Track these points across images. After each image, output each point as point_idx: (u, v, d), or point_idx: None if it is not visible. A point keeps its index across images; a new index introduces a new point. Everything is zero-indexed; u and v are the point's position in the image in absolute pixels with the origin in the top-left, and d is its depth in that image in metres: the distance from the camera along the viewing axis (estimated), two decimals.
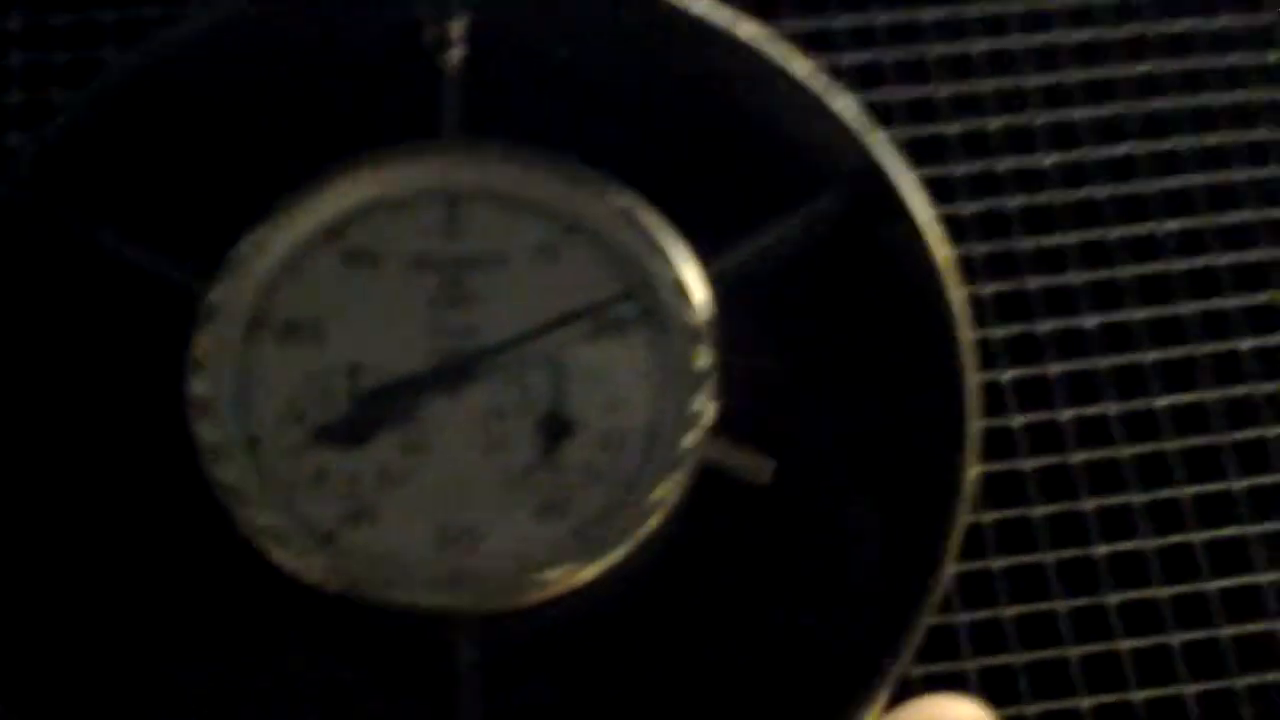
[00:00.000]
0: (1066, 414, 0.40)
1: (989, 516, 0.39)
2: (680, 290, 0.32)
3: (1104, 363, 0.41)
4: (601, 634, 0.31)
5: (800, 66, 0.34)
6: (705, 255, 0.33)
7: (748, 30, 0.35)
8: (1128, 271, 0.42)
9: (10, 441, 0.31)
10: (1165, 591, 0.38)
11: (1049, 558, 0.39)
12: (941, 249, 0.32)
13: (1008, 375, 0.41)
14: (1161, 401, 0.41)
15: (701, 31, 0.35)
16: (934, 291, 0.32)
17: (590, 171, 0.33)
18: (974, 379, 0.31)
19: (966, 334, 0.32)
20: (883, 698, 0.29)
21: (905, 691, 0.30)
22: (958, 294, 0.32)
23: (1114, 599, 0.38)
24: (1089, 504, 0.39)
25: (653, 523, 0.30)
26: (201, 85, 0.35)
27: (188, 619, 0.30)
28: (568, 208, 0.33)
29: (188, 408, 0.30)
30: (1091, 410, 0.41)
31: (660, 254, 0.32)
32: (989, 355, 0.41)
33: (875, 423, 0.32)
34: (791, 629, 0.31)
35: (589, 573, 0.30)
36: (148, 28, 0.45)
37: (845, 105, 0.34)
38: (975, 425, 0.31)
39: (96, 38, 0.45)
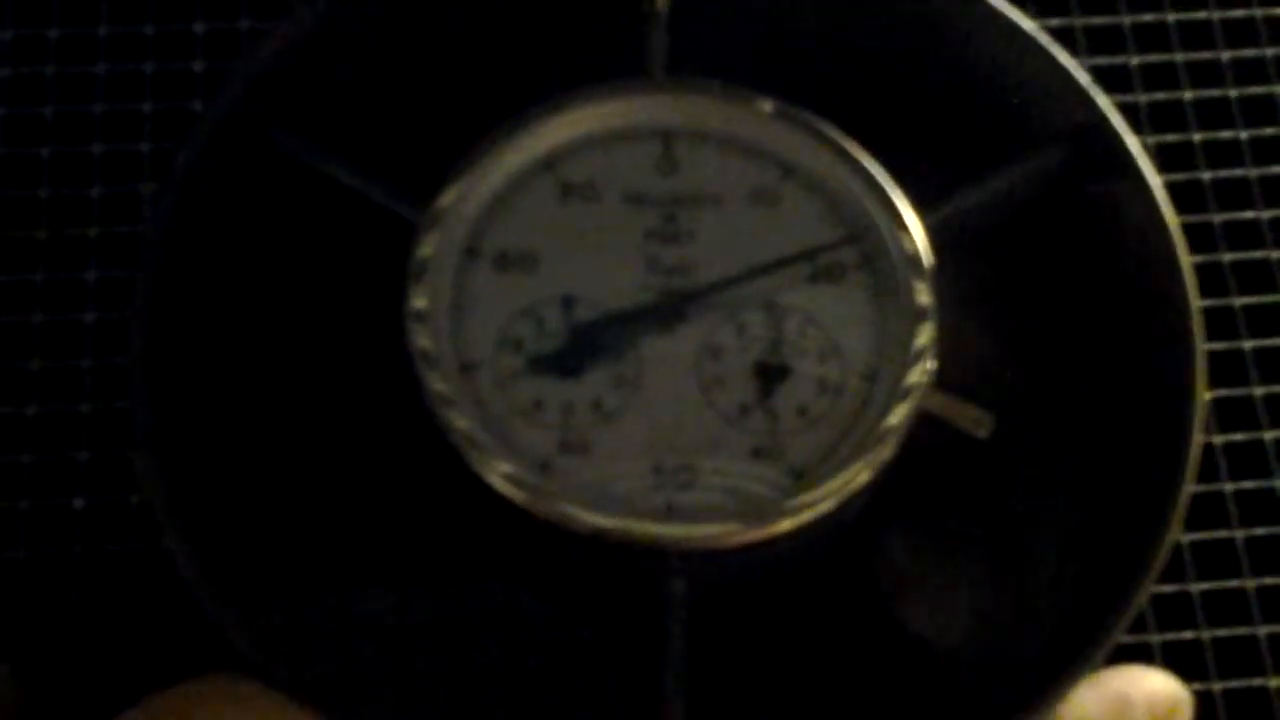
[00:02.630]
0: (1259, 390, 0.40)
1: None
2: (901, 239, 0.31)
3: None
4: (809, 578, 0.31)
5: (1025, 19, 0.34)
6: (923, 204, 0.32)
7: None
8: None
9: (232, 361, 0.32)
10: None
11: (1239, 534, 0.38)
12: (1170, 210, 0.32)
13: None
14: None
15: None
16: (1164, 254, 0.31)
17: (805, 114, 0.33)
18: (1203, 346, 0.30)
19: (1196, 299, 0.31)
20: (1097, 662, 0.29)
21: None
22: (1187, 258, 0.31)
23: None
24: None
25: (867, 472, 0.30)
26: (414, 17, 0.35)
27: (406, 544, 0.30)
28: (784, 151, 0.33)
29: (410, 353, 0.30)
30: None
31: (880, 201, 0.32)
32: None
33: (1098, 384, 0.32)
34: (1003, 589, 0.31)
35: (801, 517, 0.29)
36: None
37: (1071, 60, 0.33)
38: (1204, 395, 0.30)
39: None
